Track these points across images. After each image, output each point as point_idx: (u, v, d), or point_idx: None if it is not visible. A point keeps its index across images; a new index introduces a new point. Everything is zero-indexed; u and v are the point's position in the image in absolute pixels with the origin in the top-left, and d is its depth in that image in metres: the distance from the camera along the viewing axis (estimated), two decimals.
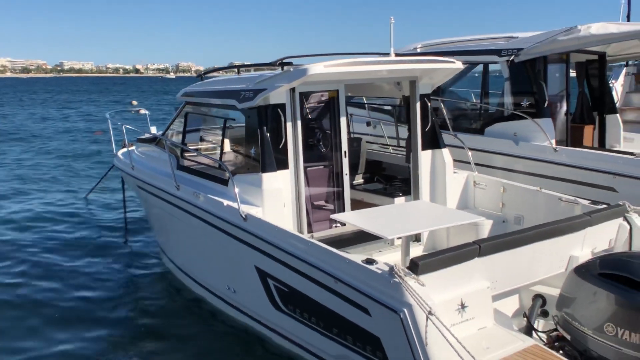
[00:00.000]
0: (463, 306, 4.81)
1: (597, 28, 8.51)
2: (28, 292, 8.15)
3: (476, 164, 9.13)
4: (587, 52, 10.23)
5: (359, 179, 8.65)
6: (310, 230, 6.73)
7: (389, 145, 9.53)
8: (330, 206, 7.05)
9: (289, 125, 6.51)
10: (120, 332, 7.00)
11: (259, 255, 5.90)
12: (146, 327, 7.18)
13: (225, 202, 6.35)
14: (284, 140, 6.47)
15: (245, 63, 8.19)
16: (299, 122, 6.56)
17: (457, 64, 7.08)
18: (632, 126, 14.18)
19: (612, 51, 10.40)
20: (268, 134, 6.41)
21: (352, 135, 9.56)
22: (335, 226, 6.89)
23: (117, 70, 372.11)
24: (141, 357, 6.41)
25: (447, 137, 8.44)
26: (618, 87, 14.99)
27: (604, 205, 6.16)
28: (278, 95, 6.41)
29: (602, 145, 10.50)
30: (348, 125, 10.26)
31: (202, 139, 8.21)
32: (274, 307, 5.94)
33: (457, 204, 7.73)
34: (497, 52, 9.59)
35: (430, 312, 4.19)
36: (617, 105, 14.94)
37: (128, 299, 8.08)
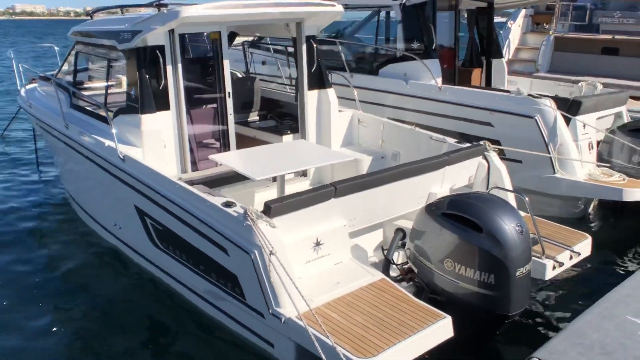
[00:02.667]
0: (318, 243, 4.86)
1: None
2: None
3: (372, 103, 9.30)
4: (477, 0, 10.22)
5: (254, 116, 8.57)
6: (195, 169, 6.68)
7: (286, 84, 9.45)
8: (217, 145, 6.96)
9: (169, 67, 6.31)
10: (15, 264, 6.96)
11: (136, 195, 5.85)
12: (40, 256, 7.21)
13: (107, 143, 6.22)
14: (163, 81, 6.28)
15: (129, 3, 7.92)
16: (179, 64, 6.34)
17: (338, 7, 7.00)
18: (526, 65, 14.74)
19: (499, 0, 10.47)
20: (147, 76, 6.21)
21: (250, 74, 9.47)
22: (222, 165, 6.74)
23: (68, 13, 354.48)
24: (37, 291, 6.37)
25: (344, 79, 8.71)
26: (516, 27, 15.32)
27: (467, 145, 6.26)
28: (156, 37, 6.18)
29: (488, 86, 10.52)
30: (247, 64, 10.13)
31: (90, 78, 7.95)
32: (153, 244, 5.93)
33: (342, 140, 7.79)
34: None
35: (271, 253, 4.25)
36: (515, 44, 15.48)
37: (30, 228, 8.10)
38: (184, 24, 6.25)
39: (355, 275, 4.82)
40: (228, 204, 4.74)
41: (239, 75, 9.18)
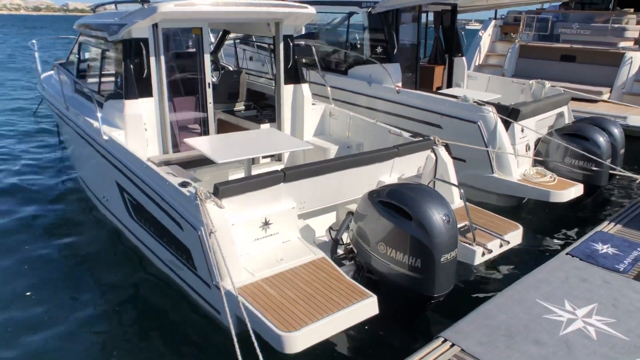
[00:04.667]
0: (267, 223, 4.63)
1: None
2: None
3: (341, 101, 8.99)
4: (442, 3, 9.68)
5: (239, 106, 8.28)
6: (177, 150, 6.49)
7: (270, 79, 8.98)
8: (197, 130, 6.72)
9: (152, 58, 6.09)
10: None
11: (117, 172, 5.69)
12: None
13: (95, 124, 6.09)
14: (146, 71, 6.08)
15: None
16: (162, 56, 6.12)
17: (311, 10, 6.76)
18: (494, 69, 14.24)
19: (462, 2, 9.90)
20: (131, 65, 6.02)
21: (239, 68, 9.19)
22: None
23: None
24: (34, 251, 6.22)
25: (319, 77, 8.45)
26: (486, 36, 14.84)
27: (418, 138, 5.99)
28: (140, 31, 5.98)
29: (450, 82, 10.21)
30: (237, 59, 9.90)
31: (90, 66, 7.66)
32: (130, 217, 5.80)
33: (314, 130, 7.56)
34: (359, 3, 9.05)
35: (211, 232, 4.07)
36: (485, 51, 14.98)
37: (41, 196, 7.91)
38: (167, 20, 6.03)
39: (299, 253, 4.60)
40: (184, 184, 4.55)
41: (230, 69, 8.89)
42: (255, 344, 3.28)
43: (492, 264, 5.91)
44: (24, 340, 4.63)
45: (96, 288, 5.41)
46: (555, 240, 6.66)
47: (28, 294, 5.30)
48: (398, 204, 4.23)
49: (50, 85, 8.44)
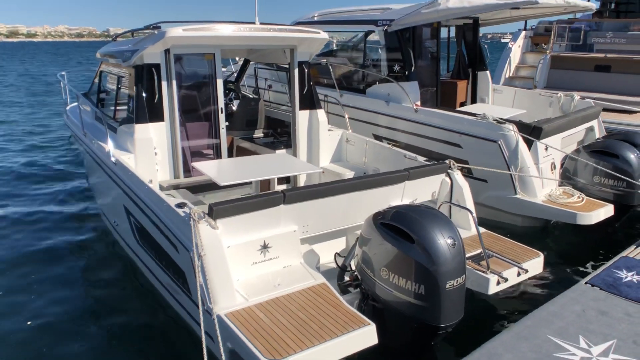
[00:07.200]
0: (266, 247, 4.48)
1: (454, 2, 7.71)
2: None
3: (361, 121, 8.90)
4: (463, 17, 9.41)
5: (258, 133, 8.28)
6: (189, 175, 6.49)
7: (288, 105, 8.97)
8: (210, 155, 6.70)
9: (164, 83, 6.13)
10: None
11: (124, 195, 5.67)
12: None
13: (107, 148, 6.13)
14: (158, 96, 6.12)
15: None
16: (174, 81, 6.16)
17: (323, 35, 6.72)
18: (525, 81, 13.79)
19: (483, 16, 9.62)
20: (143, 90, 6.08)
21: (258, 96, 9.21)
22: None
23: None
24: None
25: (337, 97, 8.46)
26: (516, 48, 14.42)
27: (433, 162, 5.76)
28: (152, 56, 6.05)
29: (474, 97, 9.94)
30: (257, 86, 9.96)
31: (109, 94, 7.75)
32: (136, 241, 5.75)
33: (331, 156, 7.48)
34: (375, 22, 8.92)
35: (199, 255, 3.97)
36: (515, 63, 14.53)
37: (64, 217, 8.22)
38: (178, 45, 6.10)
39: (298, 278, 4.39)
40: (180, 205, 4.42)
41: (250, 97, 8.94)
42: None
43: (508, 294, 5.55)
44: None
45: (100, 316, 5.39)
46: (581, 268, 6.23)
47: (28, 323, 5.30)
48: (400, 226, 4.00)
49: (75, 114, 8.64)
